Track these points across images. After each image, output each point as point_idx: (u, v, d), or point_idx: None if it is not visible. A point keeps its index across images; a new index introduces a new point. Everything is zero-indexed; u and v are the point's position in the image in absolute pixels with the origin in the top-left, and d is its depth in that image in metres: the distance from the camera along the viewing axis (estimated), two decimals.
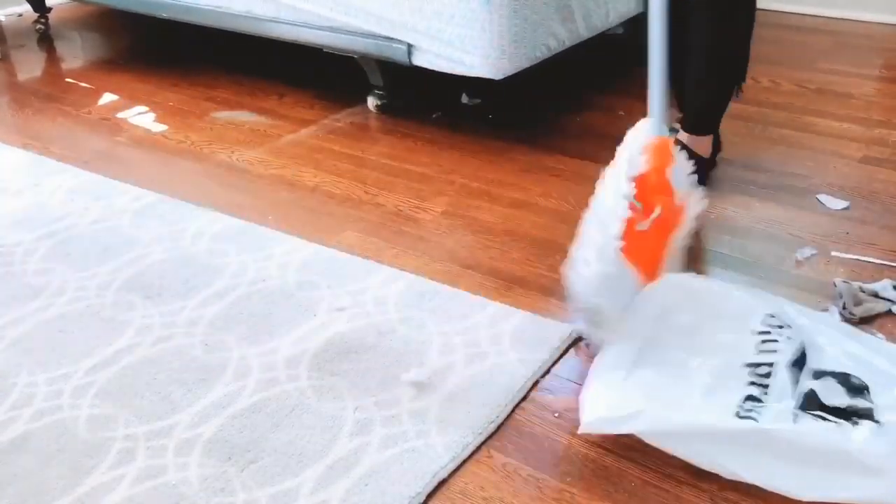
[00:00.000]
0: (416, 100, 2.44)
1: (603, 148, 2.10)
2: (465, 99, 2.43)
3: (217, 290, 1.57)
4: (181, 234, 1.77)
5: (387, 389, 1.31)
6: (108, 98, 2.56)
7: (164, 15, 2.71)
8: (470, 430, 1.22)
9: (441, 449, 1.19)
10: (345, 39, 2.27)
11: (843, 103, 2.30)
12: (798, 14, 3.06)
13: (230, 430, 1.24)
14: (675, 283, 1.36)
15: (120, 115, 2.41)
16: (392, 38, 2.17)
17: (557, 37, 2.17)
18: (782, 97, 2.35)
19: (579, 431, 1.17)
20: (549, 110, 2.35)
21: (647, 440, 1.15)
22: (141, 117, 2.40)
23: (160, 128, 2.31)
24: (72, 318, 1.50)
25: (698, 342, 1.26)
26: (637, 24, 2.81)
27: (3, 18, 3.43)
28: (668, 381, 1.19)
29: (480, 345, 1.39)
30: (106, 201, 1.91)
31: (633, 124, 1.39)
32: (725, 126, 1.92)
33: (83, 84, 2.68)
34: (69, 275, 1.63)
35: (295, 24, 2.37)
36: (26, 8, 3.33)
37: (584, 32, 2.28)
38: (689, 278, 1.41)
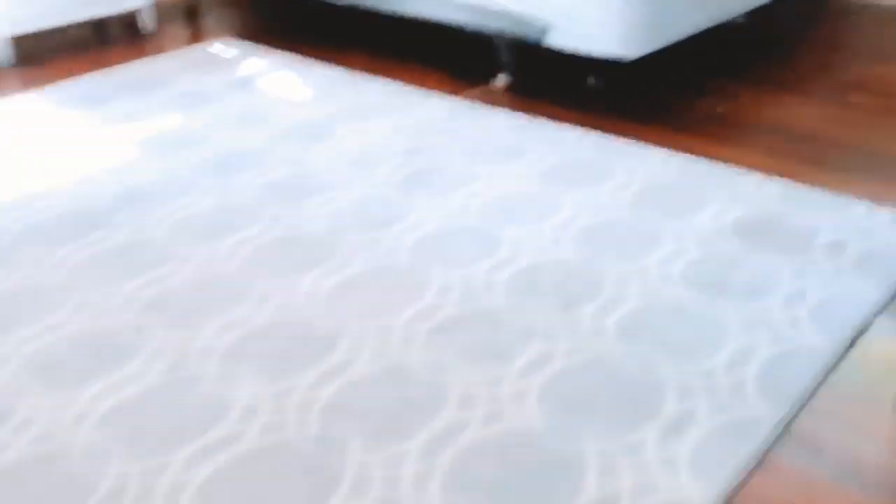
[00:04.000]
0: (540, 80, 2.48)
1: (731, 132, 2.10)
2: (591, 80, 2.46)
3: (620, 182, 1.86)
4: (559, 142, 2.07)
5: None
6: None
7: None
8: None
9: None
10: (483, 17, 2.33)
11: None
12: None
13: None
14: None
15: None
16: (528, 17, 2.22)
17: (691, 20, 2.18)
18: None
19: None
20: (671, 95, 2.36)
21: None
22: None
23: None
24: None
25: None
26: (761, 14, 2.78)
27: None
28: None
29: None
30: (480, 122, 2.20)
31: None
32: None
33: None
34: (484, 168, 1.95)
35: (435, 3, 2.44)
36: None
37: (718, 16, 2.28)
38: None
